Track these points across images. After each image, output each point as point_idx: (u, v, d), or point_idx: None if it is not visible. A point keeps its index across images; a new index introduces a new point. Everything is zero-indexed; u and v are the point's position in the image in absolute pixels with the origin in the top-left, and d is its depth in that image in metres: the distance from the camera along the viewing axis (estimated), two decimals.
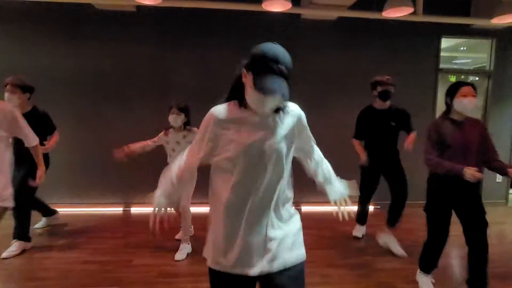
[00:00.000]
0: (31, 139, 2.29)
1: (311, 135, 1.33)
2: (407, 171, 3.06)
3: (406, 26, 4.16)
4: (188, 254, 2.87)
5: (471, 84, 2.15)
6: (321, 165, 1.38)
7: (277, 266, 1.17)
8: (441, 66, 4.60)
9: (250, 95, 1.11)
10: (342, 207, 1.35)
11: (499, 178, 4.73)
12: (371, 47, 4.33)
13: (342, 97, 4.27)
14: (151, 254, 2.90)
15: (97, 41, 4.01)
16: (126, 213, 4.12)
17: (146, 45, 4.08)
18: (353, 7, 3.80)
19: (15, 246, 2.83)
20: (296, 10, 3.77)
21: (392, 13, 3.32)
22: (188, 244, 2.92)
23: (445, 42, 4.86)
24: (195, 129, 2.78)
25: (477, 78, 4.91)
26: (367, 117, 3.07)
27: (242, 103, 1.16)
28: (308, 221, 3.84)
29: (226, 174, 1.16)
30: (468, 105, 2.10)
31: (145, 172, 4.01)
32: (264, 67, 1.07)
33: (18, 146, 2.75)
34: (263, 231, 1.17)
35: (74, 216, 3.88)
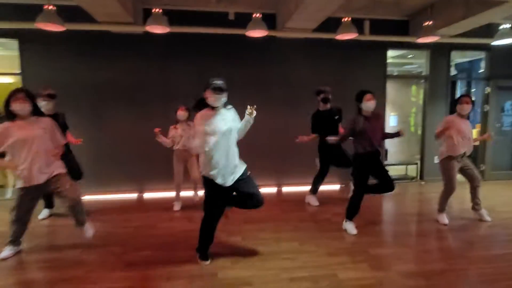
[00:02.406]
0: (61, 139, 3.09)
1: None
2: None
3: (359, 42, 5.31)
4: None
5: (371, 92, 3.32)
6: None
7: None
8: (389, 72, 5.81)
9: (210, 99, 2.51)
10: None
11: (436, 160, 6.01)
12: (332, 59, 5.47)
13: (309, 98, 5.37)
14: (169, 222, 3.91)
15: (113, 58, 4.95)
16: (140, 198, 5.08)
17: (153, 60, 5.06)
18: (316, 30, 4.93)
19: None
20: (273, 33, 4.84)
21: (342, 37, 4.45)
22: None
23: (395, 52, 6.07)
24: (191, 123, 3.97)
25: (422, 81, 6.15)
26: (316, 117, 4.30)
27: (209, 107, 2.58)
28: (287, 196, 4.93)
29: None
30: (370, 106, 3.29)
31: (155, 164, 5.05)
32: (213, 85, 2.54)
33: None
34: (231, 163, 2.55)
35: (98, 202, 4.81)
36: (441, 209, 3.80)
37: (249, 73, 5.19)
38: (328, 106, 4.28)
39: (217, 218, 2.77)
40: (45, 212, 4.08)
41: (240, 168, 2.70)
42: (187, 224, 3.77)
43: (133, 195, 5.11)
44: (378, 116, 3.43)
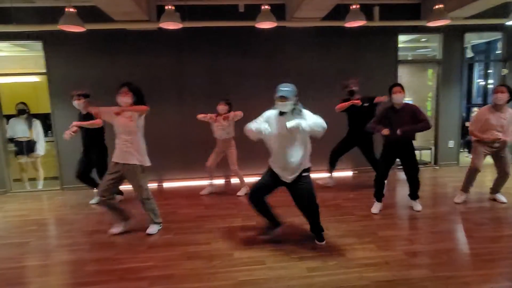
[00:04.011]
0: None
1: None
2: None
3: (369, 28, 5.30)
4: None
5: (399, 84, 3.46)
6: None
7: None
8: (402, 57, 5.77)
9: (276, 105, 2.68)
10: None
11: (451, 144, 5.98)
12: (342, 46, 5.49)
13: (320, 88, 5.45)
14: (187, 209, 4.15)
15: (129, 54, 5.18)
16: (160, 187, 5.36)
17: (167, 55, 5.26)
18: (325, 18, 4.96)
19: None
20: (282, 24, 4.92)
21: (351, 24, 4.46)
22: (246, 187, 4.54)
23: (407, 36, 6.00)
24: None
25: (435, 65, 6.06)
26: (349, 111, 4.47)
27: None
28: None
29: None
30: (398, 99, 3.41)
31: (174, 155, 5.30)
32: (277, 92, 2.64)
33: (87, 134, 3.97)
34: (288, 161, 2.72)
35: (123, 190, 5.12)
36: (463, 188, 3.90)
37: (260, 65, 5.31)
38: (357, 97, 4.41)
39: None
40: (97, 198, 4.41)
41: (302, 170, 2.78)
42: (204, 211, 3.99)
43: (153, 185, 5.40)
44: (409, 107, 3.49)
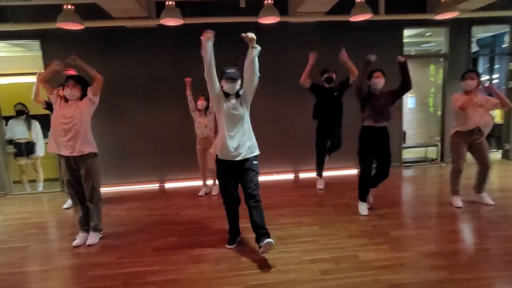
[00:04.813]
0: None
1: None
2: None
3: (374, 23, 5.19)
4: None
5: (380, 70, 3.37)
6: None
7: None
8: (405, 53, 5.66)
9: (224, 87, 2.63)
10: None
11: None
12: (345, 42, 5.32)
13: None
14: (191, 210, 4.05)
15: (127, 52, 5.06)
16: (162, 188, 5.26)
17: (167, 53, 5.14)
18: (328, 13, 4.84)
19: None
20: (285, 19, 4.80)
21: (356, 18, 4.35)
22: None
23: (412, 31, 5.88)
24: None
25: (441, 60, 5.95)
26: (315, 89, 4.37)
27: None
28: (304, 182, 4.98)
29: None
30: (378, 83, 3.33)
31: (174, 155, 5.20)
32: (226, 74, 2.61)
33: None
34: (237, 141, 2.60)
35: (123, 192, 5.02)
36: (452, 190, 3.72)
37: (263, 61, 5.13)
38: (332, 86, 4.33)
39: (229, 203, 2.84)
40: (69, 202, 4.25)
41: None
42: (208, 212, 3.89)
43: (155, 186, 5.29)
44: (387, 93, 3.40)
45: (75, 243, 3.08)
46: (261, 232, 2.57)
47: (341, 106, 4.34)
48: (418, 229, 3.12)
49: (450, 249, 2.67)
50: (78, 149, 2.95)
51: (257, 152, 2.72)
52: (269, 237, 2.52)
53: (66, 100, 3.03)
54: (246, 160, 2.64)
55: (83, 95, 3.08)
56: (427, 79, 6.68)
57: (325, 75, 4.32)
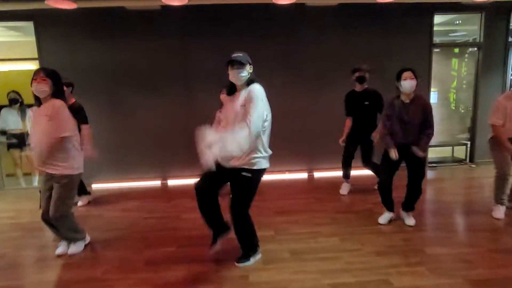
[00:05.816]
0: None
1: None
2: None
3: (401, 6, 4.63)
4: None
5: (410, 69, 2.77)
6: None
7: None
8: (435, 41, 5.07)
9: (229, 76, 2.22)
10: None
11: None
12: (369, 27, 4.82)
13: (344, 73, 4.81)
14: (193, 213, 3.62)
15: (128, 37, 4.62)
16: (164, 185, 4.85)
17: (171, 38, 4.68)
18: None
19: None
20: (302, 0, 4.28)
21: None
22: None
23: (440, 18, 5.29)
24: None
25: (470, 49, 5.36)
26: (350, 98, 3.81)
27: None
28: (320, 182, 4.53)
29: None
30: (407, 86, 2.74)
31: (178, 150, 4.76)
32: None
33: None
34: None
35: (121, 189, 4.64)
36: (496, 199, 3.22)
37: (275, 47, 4.68)
38: (365, 86, 3.75)
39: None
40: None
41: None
42: None
43: (157, 182, 4.90)
44: (419, 102, 2.83)
45: (58, 251, 2.68)
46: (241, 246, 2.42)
47: (374, 116, 3.74)
48: (459, 246, 2.63)
49: (504, 275, 2.18)
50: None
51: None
52: (244, 259, 2.40)
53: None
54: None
55: (56, 92, 2.60)
56: (449, 73, 6.07)
57: (356, 74, 3.74)
